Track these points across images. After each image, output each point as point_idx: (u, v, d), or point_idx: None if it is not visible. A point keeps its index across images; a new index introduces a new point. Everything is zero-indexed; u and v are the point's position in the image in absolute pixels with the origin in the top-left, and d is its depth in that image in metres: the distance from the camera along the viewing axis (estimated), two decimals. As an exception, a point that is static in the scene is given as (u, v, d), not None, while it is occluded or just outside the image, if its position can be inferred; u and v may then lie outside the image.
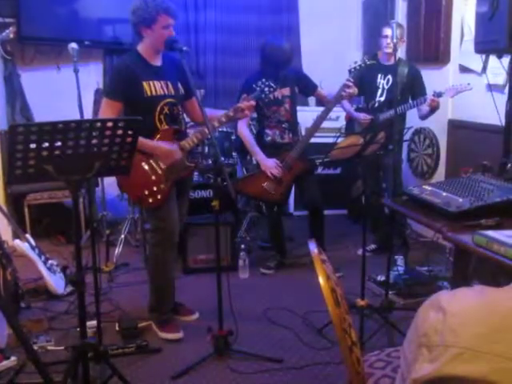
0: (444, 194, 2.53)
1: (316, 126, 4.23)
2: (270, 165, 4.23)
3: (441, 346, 0.91)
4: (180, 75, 3.32)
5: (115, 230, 5.07)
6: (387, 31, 4.30)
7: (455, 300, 0.95)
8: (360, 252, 4.09)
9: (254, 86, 3.48)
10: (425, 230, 4.68)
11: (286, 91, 4.28)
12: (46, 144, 2.17)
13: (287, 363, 3.08)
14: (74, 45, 3.01)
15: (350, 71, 4.01)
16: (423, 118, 4.44)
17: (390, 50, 4.25)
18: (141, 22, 3.17)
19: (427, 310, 0.97)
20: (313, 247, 1.74)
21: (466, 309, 0.93)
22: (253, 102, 3.36)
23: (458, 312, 0.92)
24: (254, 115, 4.46)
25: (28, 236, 3.88)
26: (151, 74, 3.25)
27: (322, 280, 1.55)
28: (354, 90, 3.99)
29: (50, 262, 3.89)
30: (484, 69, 4.25)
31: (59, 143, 2.20)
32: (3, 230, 3.75)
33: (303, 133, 5.04)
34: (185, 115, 3.57)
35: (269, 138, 4.36)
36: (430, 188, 2.68)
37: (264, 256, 4.69)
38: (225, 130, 5.02)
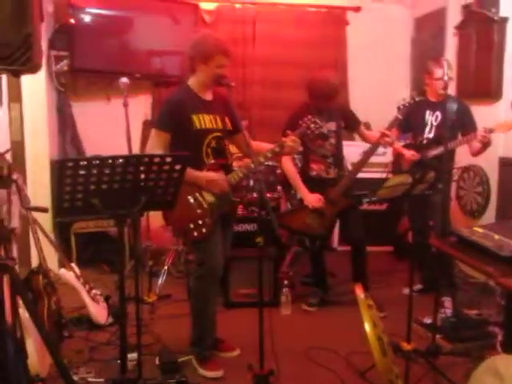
0: (496, 236, 2.45)
1: (362, 163, 4.19)
2: (313, 199, 4.20)
3: (498, 413, 0.85)
4: (227, 110, 3.34)
5: (158, 261, 5.09)
6: (439, 72, 4.22)
7: (514, 365, 0.89)
8: (405, 291, 3.99)
9: (300, 122, 3.47)
10: (473, 271, 4.53)
11: (332, 126, 4.26)
12: (94, 178, 2.19)
13: (329, 406, 3.00)
14: (124, 79, 3.07)
15: (398, 108, 3.97)
16: (475, 154, 4.33)
17: (443, 91, 4.18)
18: (197, 57, 3.23)
19: (483, 375, 0.92)
20: (359, 291, 1.70)
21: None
22: (296, 139, 3.33)
23: (517, 378, 0.86)
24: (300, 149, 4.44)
25: (73, 265, 3.92)
26: (201, 107, 3.29)
27: (368, 327, 1.50)
28: (391, 139, 3.97)
29: (93, 291, 3.92)
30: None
31: (106, 177, 2.22)
32: (49, 259, 3.80)
33: (349, 167, 4.99)
34: (231, 149, 3.58)
35: (314, 173, 4.33)
36: (481, 230, 2.60)
37: (306, 292, 4.61)
38: (270, 163, 5.01)
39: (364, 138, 4.41)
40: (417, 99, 3.93)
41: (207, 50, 3.18)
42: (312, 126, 3.39)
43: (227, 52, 3.22)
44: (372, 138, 4.23)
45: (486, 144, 4.10)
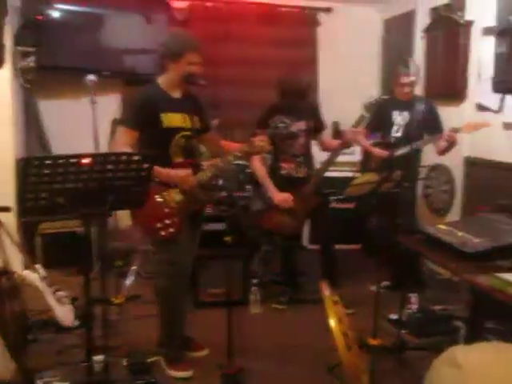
0: (460, 233, 2.49)
1: (330, 161, 4.22)
2: (282, 198, 4.22)
3: (456, 403, 0.87)
4: (197, 109, 3.33)
5: (127, 261, 5.05)
6: (405, 78, 4.28)
7: (471, 356, 0.91)
8: (373, 288, 4.03)
9: (268, 121, 3.48)
10: (439, 268, 4.61)
11: (302, 125, 4.28)
12: (60, 177, 2.17)
13: (298, 403, 3.02)
14: (91, 77, 3.03)
15: (365, 106, 4.01)
16: (441, 153, 4.41)
17: (409, 90, 4.24)
18: (168, 55, 3.21)
19: (442, 366, 0.93)
20: (325, 288, 1.71)
21: (484, 366, 0.89)
22: (265, 138, 3.34)
23: (474, 369, 0.88)
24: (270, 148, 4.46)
25: (38, 266, 3.85)
26: (170, 105, 3.27)
27: (333, 323, 1.52)
28: (361, 138, 4.02)
29: (59, 293, 3.85)
30: (501, 107, 4.23)
31: (72, 176, 2.20)
32: (13, 260, 3.73)
33: (318, 166, 5.01)
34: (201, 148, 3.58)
35: (284, 172, 4.35)
36: (445, 227, 2.65)
37: (276, 291, 4.63)
38: (240, 162, 5.01)
39: (322, 146, 4.43)
40: (383, 97, 3.99)
41: (178, 48, 3.17)
42: (281, 125, 3.40)
43: (198, 49, 3.22)
44: (329, 146, 4.28)
45: (452, 144, 4.17)
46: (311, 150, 4.44)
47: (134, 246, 5.19)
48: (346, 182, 4.10)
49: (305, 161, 4.35)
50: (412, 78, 4.16)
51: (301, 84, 4.21)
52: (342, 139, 4.11)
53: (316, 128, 4.40)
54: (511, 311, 2.36)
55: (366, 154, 4.72)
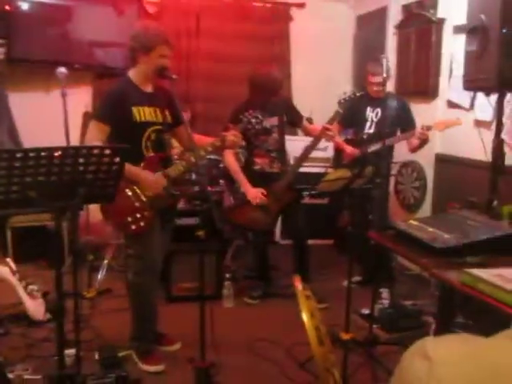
0: (430, 229, 2.53)
1: (304, 157, 4.24)
2: (255, 194, 4.23)
3: (426, 396, 0.88)
4: (169, 103, 3.31)
5: (99, 255, 5.01)
6: (376, 78, 4.32)
7: (441, 348, 0.93)
8: (345, 283, 4.06)
9: (240, 116, 3.48)
10: (410, 263, 4.66)
11: (275, 120, 4.29)
12: (30, 170, 2.14)
13: (269, 398, 3.03)
14: (62, 69, 2.99)
15: (339, 102, 4.04)
16: (413, 150, 4.46)
17: (381, 88, 4.29)
18: (139, 48, 3.18)
19: (412, 358, 0.95)
20: (297, 282, 1.72)
21: (453, 359, 0.90)
22: (237, 133, 3.35)
23: (444, 362, 0.90)
24: (243, 144, 4.46)
25: (9, 260, 3.81)
26: (142, 99, 3.25)
27: (305, 318, 1.53)
28: (333, 133, 4.09)
29: (30, 287, 3.82)
30: (472, 105, 4.30)
31: (43, 169, 2.17)
32: (-16, 254, 3.69)
33: (292, 162, 5.03)
34: (173, 142, 3.56)
35: (258, 167, 4.36)
36: (416, 223, 2.68)
37: (249, 285, 4.64)
38: (213, 157, 5.01)
39: (307, 133, 4.46)
40: (357, 94, 4.02)
41: (149, 41, 3.15)
42: (253, 120, 3.41)
43: (169, 42, 3.20)
44: (314, 132, 4.29)
45: (423, 141, 4.22)
46: (285, 146, 4.45)
47: (106, 240, 5.15)
48: (318, 177, 4.13)
49: (279, 156, 4.37)
50: (379, 79, 4.20)
51: (271, 79, 4.22)
52: (318, 132, 4.13)
53: (294, 120, 4.41)
54: (480, 306, 2.40)
55: (339, 151, 4.75)
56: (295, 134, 5.86)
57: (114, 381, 3.08)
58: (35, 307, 3.78)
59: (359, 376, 3.12)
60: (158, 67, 3.17)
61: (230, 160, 4.36)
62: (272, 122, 4.28)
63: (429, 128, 4.12)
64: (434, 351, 0.92)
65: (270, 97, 4.22)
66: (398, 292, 4.38)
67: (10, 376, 2.99)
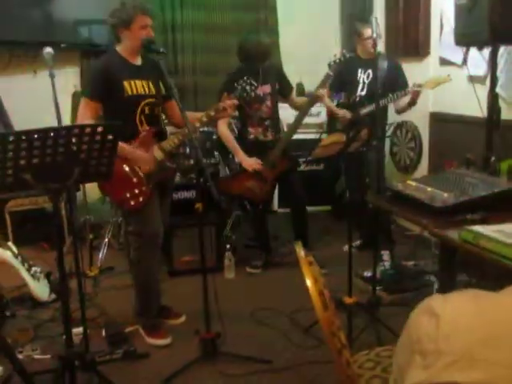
0: (429, 189, 2.52)
1: (297, 124, 4.22)
2: (251, 162, 4.22)
3: (434, 353, 0.88)
4: (160, 76, 3.27)
5: (98, 234, 5.02)
6: (368, 32, 4.27)
7: (448, 305, 0.93)
8: (345, 248, 4.08)
9: (235, 84, 3.44)
10: (410, 224, 4.68)
11: (267, 88, 4.26)
12: (24, 153, 2.12)
13: (276, 364, 3.06)
14: (48, 49, 2.92)
15: (329, 65, 4.01)
16: (400, 111, 4.44)
17: (373, 50, 4.23)
18: (119, 24, 3.15)
19: (420, 315, 0.95)
20: (299, 249, 1.72)
21: (460, 315, 0.90)
22: (235, 101, 3.33)
23: (451, 318, 0.90)
24: (236, 114, 4.43)
25: (10, 244, 3.80)
26: (132, 72, 3.22)
27: (309, 283, 1.52)
28: (324, 97, 4.12)
29: (33, 268, 3.80)
30: (465, 60, 4.25)
31: (37, 151, 2.16)
32: (-16, 239, 3.68)
33: (285, 129, 5.01)
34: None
35: (251, 136, 4.34)
36: (414, 183, 2.66)
37: (250, 255, 4.65)
38: (206, 129, 4.98)
39: (294, 106, 4.43)
40: (348, 56, 3.98)
41: (126, 14, 3.11)
42: (248, 87, 3.38)
43: (147, 11, 3.16)
44: (301, 104, 4.27)
45: (412, 101, 4.18)
46: (278, 114, 4.42)
47: (105, 219, 5.15)
48: (313, 143, 4.12)
49: (272, 124, 4.34)
50: (369, 40, 4.16)
51: (260, 45, 4.17)
52: (312, 96, 4.10)
53: (283, 91, 4.37)
54: (482, 263, 2.41)
55: (332, 116, 4.72)
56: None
57: (122, 356, 3.12)
58: (39, 289, 3.78)
59: (364, 338, 3.14)
60: (143, 39, 3.13)
61: (224, 130, 4.34)
62: (265, 89, 4.25)
63: (419, 86, 4.09)
64: (441, 308, 0.92)
65: (260, 63, 4.18)
66: (398, 253, 4.40)
67: (20, 357, 3.02)
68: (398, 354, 1.03)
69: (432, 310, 0.93)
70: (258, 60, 4.16)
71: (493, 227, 1.97)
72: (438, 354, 0.88)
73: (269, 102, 4.28)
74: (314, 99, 4.09)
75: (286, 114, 4.95)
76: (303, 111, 4.19)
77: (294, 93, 4.44)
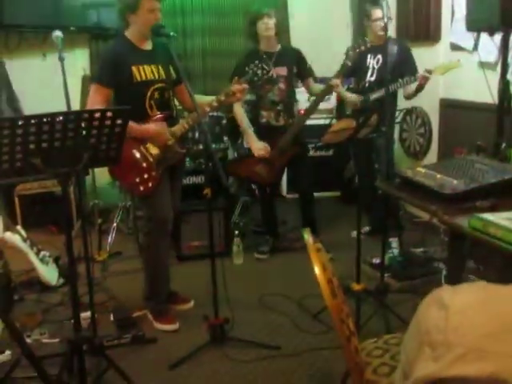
0: (438, 175, 2.50)
1: (310, 112, 4.20)
2: (259, 147, 4.21)
3: (443, 345, 0.88)
4: (170, 60, 3.25)
5: (107, 219, 5.03)
6: (378, 13, 4.23)
7: (458, 297, 0.92)
8: (354, 234, 4.07)
9: (246, 68, 3.42)
10: (418, 211, 4.66)
11: (283, 71, 4.21)
12: (33, 137, 2.12)
13: (284, 350, 3.07)
14: (58, 33, 2.91)
15: (346, 54, 3.96)
16: (408, 97, 4.39)
17: (382, 33, 4.19)
18: (126, 8, 3.14)
19: (429, 307, 0.94)
20: (307, 236, 1.71)
21: (470, 306, 0.90)
22: (245, 85, 3.31)
23: (461, 310, 0.89)
24: (248, 97, 4.40)
25: (19, 228, 3.82)
26: (141, 58, 3.20)
27: (318, 271, 1.52)
28: (340, 88, 4.12)
29: (42, 253, 3.83)
30: (475, 46, 4.21)
31: (46, 136, 2.16)
32: (-7, 223, 3.70)
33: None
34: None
35: (264, 120, 4.32)
36: (423, 170, 2.64)
37: (258, 240, 4.66)
38: (215, 114, 4.97)
39: (310, 91, 4.40)
40: (368, 45, 3.92)
41: None
42: (259, 72, 3.36)
43: None
44: (317, 91, 4.24)
45: (420, 87, 4.14)
46: (293, 98, 4.38)
47: (114, 203, 5.16)
48: (322, 129, 4.10)
49: (284, 109, 4.29)
50: (380, 24, 4.11)
51: (252, 13, 4.15)
52: (326, 86, 4.07)
53: (301, 74, 4.34)
54: (491, 251, 2.40)
55: (341, 101, 4.68)
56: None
57: (131, 341, 3.14)
58: (48, 273, 3.80)
59: (372, 325, 3.14)
60: (151, 23, 3.11)
61: (239, 111, 4.32)
62: (279, 71, 4.20)
63: (430, 72, 4.04)
64: (450, 300, 0.91)
65: (270, 42, 4.15)
66: (407, 240, 4.37)
67: (28, 341, 3.04)
68: (407, 344, 1.03)
69: (441, 301, 0.92)
70: (268, 38, 4.12)
71: (502, 214, 1.95)
72: (448, 346, 0.87)
73: (282, 85, 4.23)
74: (328, 88, 4.05)
75: (304, 97, 4.91)
76: (317, 100, 4.15)
77: (312, 78, 4.38)
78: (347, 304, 1.71)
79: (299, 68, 4.31)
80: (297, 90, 4.52)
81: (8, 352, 2.94)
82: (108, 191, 5.23)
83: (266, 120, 4.30)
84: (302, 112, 4.45)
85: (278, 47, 4.26)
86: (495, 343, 0.85)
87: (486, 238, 1.91)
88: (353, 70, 4.48)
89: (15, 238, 3.72)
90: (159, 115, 3.23)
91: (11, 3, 4.98)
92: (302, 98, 4.90)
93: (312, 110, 4.19)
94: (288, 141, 4.17)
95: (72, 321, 2.53)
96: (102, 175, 4.86)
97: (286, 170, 4.65)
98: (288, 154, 4.22)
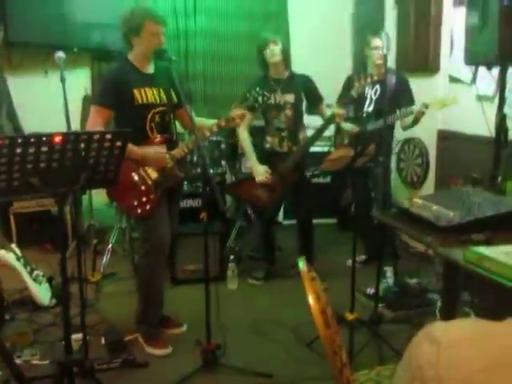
0: (434, 207, 2.50)
1: (313, 140, 4.24)
2: (259, 171, 4.21)
3: (435, 380, 0.87)
4: (172, 83, 3.28)
5: (103, 239, 5.02)
6: (377, 42, 4.28)
7: (449, 332, 0.92)
8: (349, 263, 4.06)
9: (247, 94, 3.45)
10: (414, 241, 4.65)
11: (290, 97, 4.23)
12: (31, 157, 2.13)
13: (276, 378, 3.04)
14: (60, 53, 2.95)
15: (356, 87, 3.99)
16: (405, 128, 4.41)
17: (381, 61, 4.23)
18: (129, 32, 3.17)
19: (420, 342, 0.94)
20: (302, 264, 1.71)
21: (461, 341, 0.90)
22: (244, 112, 3.34)
23: (452, 344, 0.89)
24: (256, 122, 4.44)
25: (13, 246, 3.81)
26: (142, 81, 3.23)
27: (311, 301, 1.52)
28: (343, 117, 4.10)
29: (35, 272, 3.83)
30: (474, 79, 4.25)
31: (45, 156, 2.16)
32: (-12, 241, 3.69)
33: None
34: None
35: (268, 146, 4.34)
36: (420, 201, 2.65)
37: (253, 266, 4.64)
38: (214, 138, 4.99)
39: (321, 115, 4.42)
40: (372, 79, 3.95)
41: (136, 21, 3.13)
42: (259, 98, 3.39)
43: (157, 18, 3.17)
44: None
45: (416, 120, 4.16)
46: (299, 124, 4.39)
47: (110, 224, 5.16)
48: (320, 157, 4.11)
49: (289, 135, 4.29)
50: (385, 50, 4.15)
51: (259, 41, 4.18)
52: (331, 116, 4.08)
53: (311, 101, 4.37)
54: (485, 284, 2.40)
55: (339, 129, 4.71)
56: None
57: (121, 364, 3.11)
58: (41, 292, 3.79)
59: (365, 355, 3.12)
60: (154, 46, 3.15)
61: (243, 134, 4.34)
62: (287, 98, 4.22)
63: (426, 106, 4.06)
64: (442, 335, 0.91)
65: (284, 73, 4.19)
66: (402, 270, 4.36)
67: (18, 362, 3.01)
68: (398, 379, 1.02)
69: (433, 336, 0.92)
70: (273, 64, 4.16)
71: (498, 248, 1.96)
72: (439, 381, 0.87)
73: (289, 111, 4.24)
74: (333, 118, 4.06)
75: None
76: (320, 129, 4.17)
77: (324, 104, 4.40)
78: (340, 334, 1.70)
79: (309, 95, 4.33)
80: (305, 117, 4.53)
81: (-2, 372, 2.91)
82: (104, 212, 5.22)
83: (271, 146, 4.32)
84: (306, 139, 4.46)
85: (287, 74, 4.29)
86: (487, 378, 0.84)
87: (481, 272, 1.91)
88: (352, 99, 4.51)
89: (9, 256, 3.71)
90: (159, 138, 3.25)
91: (16, 21, 5.04)
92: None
93: (316, 138, 4.22)
94: (289, 167, 4.17)
95: (63, 342, 2.51)
96: (98, 196, 4.87)
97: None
98: (289, 179, 4.22)
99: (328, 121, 4.11)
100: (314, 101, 4.37)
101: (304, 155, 4.27)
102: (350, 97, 4.02)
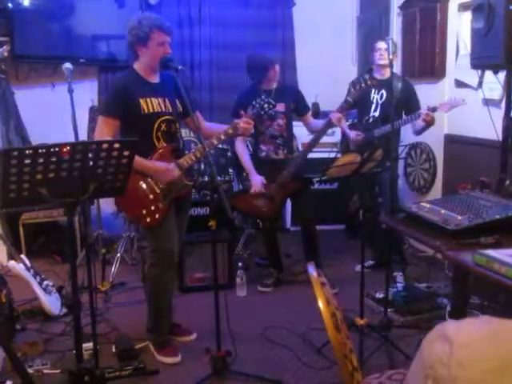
0: (442, 211, 2.50)
1: (311, 146, 4.23)
2: (256, 182, 4.23)
3: (448, 379, 0.88)
4: (178, 93, 3.29)
5: (111, 249, 5.04)
6: (380, 44, 4.30)
7: (462, 331, 0.93)
8: (357, 268, 4.06)
9: (253, 102, 3.46)
10: (423, 246, 4.64)
11: (281, 107, 4.25)
12: (40, 167, 2.15)
13: (286, 384, 3.04)
14: (68, 65, 2.98)
15: (349, 91, 4.02)
16: (417, 133, 4.40)
17: (383, 62, 4.25)
18: (136, 41, 3.17)
19: (433, 341, 0.94)
20: (311, 270, 1.71)
21: (474, 341, 0.90)
22: (251, 121, 3.34)
23: (465, 344, 0.89)
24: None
25: (23, 256, 3.83)
26: (148, 90, 3.23)
27: (322, 305, 1.52)
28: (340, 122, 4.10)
29: (45, 282, 3.85)
30: (480, 84, 4.25)
31: (53, 166, 2.18)
32: (-2, 251, 3.72)
33: (300, 148, 5.00)
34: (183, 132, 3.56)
35: (263, 154, 4.35)
36: (428, 205, 2.65)
37: (261, 273, 4.64)
38: (221, 146, 5.00)
39: (309, 127, 4.42)
40: (369, 83, 3.96)
41: (143, 30, 3.12)
42: (266, 106, 3.39)
43: (164, 26, 3.16)
44: (316, 128, 4.27)
45: (429, 123, 4.15)
46: (292, 132, 4.42)
47: (118, 234, 5.18)
48: (327, 163, 4.11)
49: (284, 143, 4.33)
50: (390, 56, 4.16)
51: (264, 59, 4.19)
52: (327, 121, 4.09)
53: (299, 111, 4.38)
54: (494, 287, 2.39)
55: (345, 135, 4.72)
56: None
57: (132, 372, 3.11)
58: (51, 302, 3.80)
59: (375, 360, 3.11)
60: (160, 56, 3.16)
61: (241, 148, 4.36)
62: (278, 108, 4.24)
63: (434, 109, 4.07)
64: (454, 334, 0.91)
65: (264, 77, 4.21)
66: (411, 275, 4.36)
67: (30, 371, 3.02)
68: (410, 379, 1.03)
69: (445, 335, 0.92)
70: (262, 74, 4.18)
71: (506, 251, 1.95)
72: (452, 380, 0.87)
73: (280, 121, 4.27)
74: (330, 123, 4.08)
75: (301, 132, 4.96)
76: (318, 135, 4.18)
77: (310, 114, 4.43)
78: (351, 339, 1.70)
79: (297, 105, 4.36)
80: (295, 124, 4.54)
81: (9, 382, 2.92)
82: (112, 221, 5.25)
83: (266, 153, 4.33)
84: (306, 145, 4.47)
85: (275, 84, 4.31)
86: (500, 378, 0.84)
87: (490, 275, 1.90)
88: (356, 104, 4.52)
89: (19, 266, 3.73)
90: (165, 146, 3.26)
91: (22, 34, 5.09)
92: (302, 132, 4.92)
93: (313, 144, 4.22)
94: (288, 176, 4.18)
95: (74, 351, 2.52)
96: (106, 205, 4.90)
97: (288, 202, 4.65)
98: (287, 188, 4.23)
99: (325, 126, 4.12)
100: (302, 110, 4.39)
101: (302, 163, 4.27)
102: (346, 102, 4.03)
